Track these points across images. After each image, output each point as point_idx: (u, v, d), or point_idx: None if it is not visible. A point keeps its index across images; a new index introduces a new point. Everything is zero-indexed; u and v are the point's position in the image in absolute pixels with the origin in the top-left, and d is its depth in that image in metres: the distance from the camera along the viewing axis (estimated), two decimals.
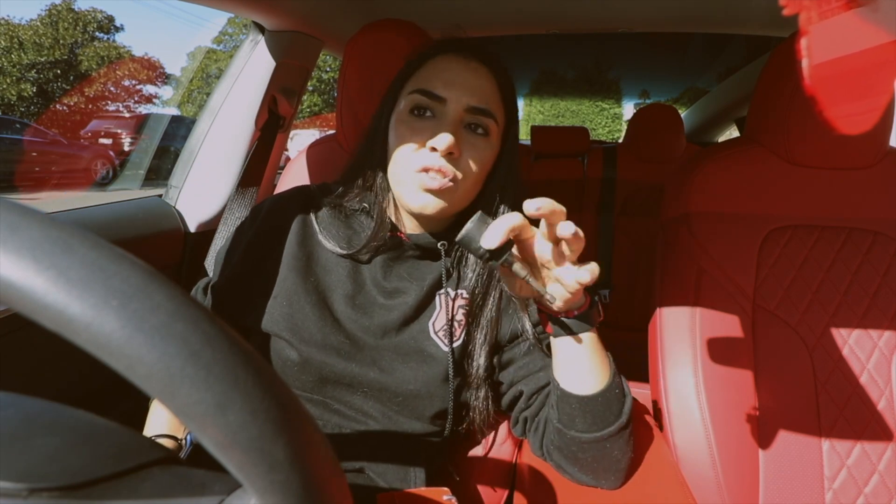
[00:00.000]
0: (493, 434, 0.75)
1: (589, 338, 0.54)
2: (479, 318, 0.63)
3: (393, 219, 0.65)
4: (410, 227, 0.64)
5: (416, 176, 0.58)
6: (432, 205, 0.58)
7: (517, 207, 0.63)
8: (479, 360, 0.62)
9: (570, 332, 0.54)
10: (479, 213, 0.48)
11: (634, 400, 0.60)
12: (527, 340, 0.63)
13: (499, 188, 0.63)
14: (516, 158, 0.65)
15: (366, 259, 0.65)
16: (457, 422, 0.64)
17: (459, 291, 0.64)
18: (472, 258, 0.64)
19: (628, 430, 0.57)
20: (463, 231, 0.48)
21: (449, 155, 0.57)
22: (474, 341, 0.63)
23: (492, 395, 0.66)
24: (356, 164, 0.68)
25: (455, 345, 0.62)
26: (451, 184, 0.58)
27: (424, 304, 0.64)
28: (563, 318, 0.54)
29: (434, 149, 0.56)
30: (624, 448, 0.57)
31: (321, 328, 0.61)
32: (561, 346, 0.56)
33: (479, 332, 0.63)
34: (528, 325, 0.62)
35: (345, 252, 0.63)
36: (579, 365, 0.55)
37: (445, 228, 0.65)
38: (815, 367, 0.72)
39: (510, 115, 0.64)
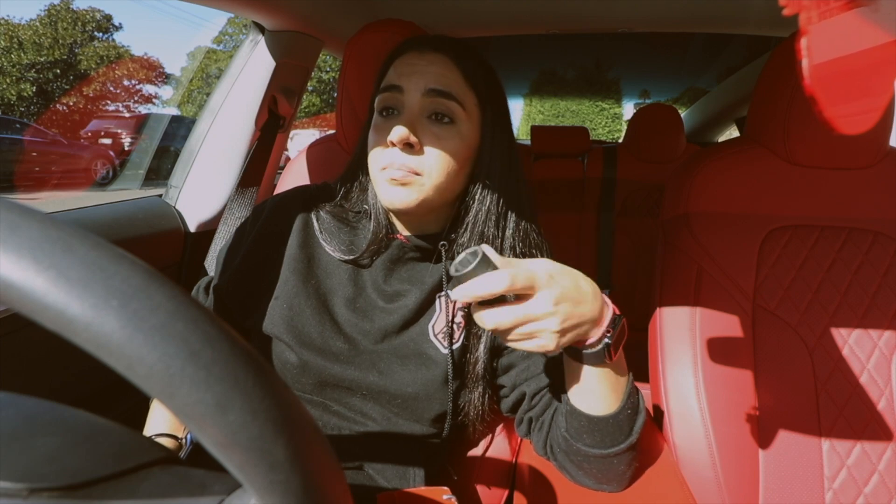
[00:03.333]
0: (491, 434, 0.75)
1: (605, 367, 0.52)
2: None
3: (390, 220, 0.65)
4: (407, 228, 0.64)
5: (382, 173, 0.57)
6: (399, 198, 0.57)
7: (510, 198, 0.62)
8: (479, 361, 0.62)
9: (578, 359, 0.53)
10: (482, 250, 0.45)
11: None
12: None
13: (481, 181, 0.61)
14: (502, 147, 0.62)
15: (367, 264, 0.65)
16: (456, 423, 0.63)
17: None
18: None
19: (637, 446, 0.56)
20: (457, 261, 0.46)
21: (409, 148, 0.56)
22: (474, 343, 0.63)
23: (494, 398, 0.66)
24: (351, 169, 0.68)
25: (454, 347, 0.62)
26: (414, 175, 0.56)
27: (424, 307, 0.64)
28: (579, 351, 0.52)
29: (393, 144, 0.55)
30: (631, 462, 0.57)
31: (321, 332, 0.61)
32: (570, 368, 0.55)
33: (476, 332, 0.63)
34: None
35: (346, 258, 0.63)
36: (588, 388, 0.54)
37: (443, 228, 0.65)
38: (815, 367, 0.72)
39: (485, 101, 0.61)
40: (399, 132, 0.54)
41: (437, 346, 0.62)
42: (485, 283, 0.43)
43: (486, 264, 0.44)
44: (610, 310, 0.52)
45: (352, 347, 0.61)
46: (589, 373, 0.53)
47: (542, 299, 0.45)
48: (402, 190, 0.57)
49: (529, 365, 0.63)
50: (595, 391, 0.54)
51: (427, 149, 0.57)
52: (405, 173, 0.56)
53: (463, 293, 0.44)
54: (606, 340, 0.50)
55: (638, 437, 0.55)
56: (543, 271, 0.46)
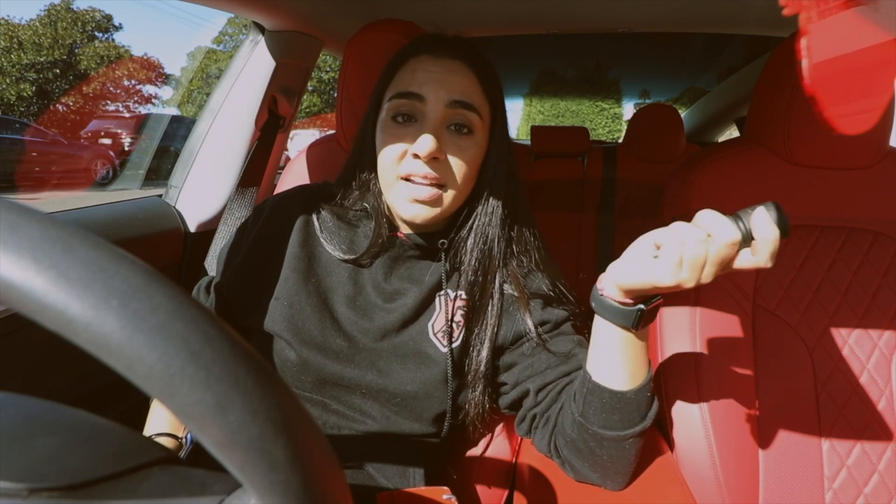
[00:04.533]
0: (491, 434, 0.75)
1: (631, 336, 0.54)
2: (478, 318, 0.63)
3: (391, 220, 0.65)
4: (410, 228, 0.64)
5: (404, 185, 0.57)
6: (423, 214, 0.58)
7: (509, 203, 0.63)
8: (479, 360, 0.62)
9: (616, 317, 0.53)
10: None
11: None
12: (531, 341, 0.63)
13: (487, 184, 0.62)
14: (506, 153, 0.63)
15: (367, 264, 0.65)
16: (455, 422, 0.63)
17: (459, 292, 0.64)
18: (470, 258, 0.63)
19: (645, 433, 0.57)
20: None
21: (433, 160, 0.56)
22: (473, 342, 0.63)
23: (493, 395, 0.66)
24: (349, 168, 0.68)
25: (454, 345, 0.62)
26: (438, 191, 0.57)
27: (424, 306, 0.64)
28: (611, 302, 0.52)
29: (417, 155, 0.55)
30: (638, 451, 0.58)
31: (321, 330, 0.61)
32: (599, 339, 0.55)
33: (478, 332, 0.63)
34: (530, 325, 0.62)
35: (346, 258, 0.63)
36: (616, 357, 0.54)
37: (444, 227, 0.65)
38: (815, 367, 0.72)
39: (496, 109, 0.62)
40: (428, 146, 0.54)
41: (437, 344, 0.62)
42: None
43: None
44: None
45: (351, 345, 0.61)
46: (616, 339, 0.54)
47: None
48: (427, 208, 0.57)
49: (533, 362, 0.63)
50: (618, 361, 0.54)
51: (450, 160, 0.57)
52: (431, 192, 0.56)
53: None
54: (641, 306, 0.51)
55: (650, 424, 0.56)
56: None
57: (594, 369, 0.56)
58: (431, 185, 0.57)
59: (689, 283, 0.48)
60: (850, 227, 0.77)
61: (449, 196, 0.58)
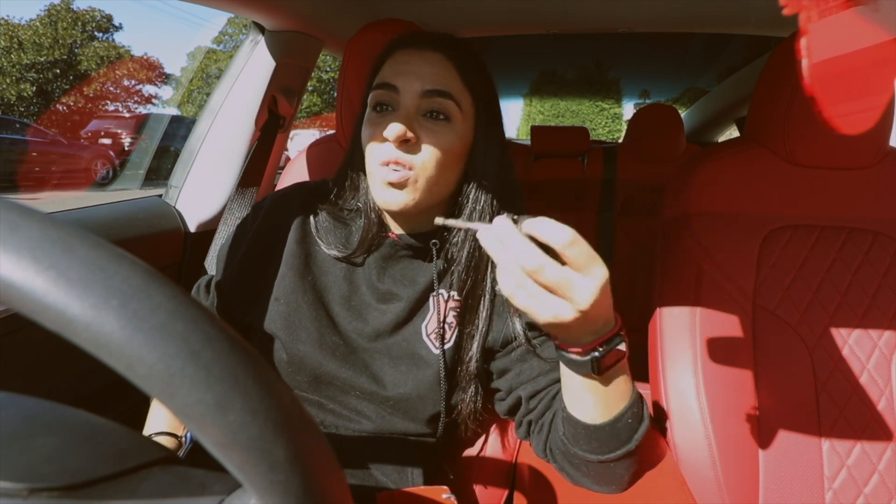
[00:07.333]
0: (490, 434, 0.75)
1: (596, 381, 0.50)
2: (470, 319, 0.63)
3: (381, 217, 0.64)
4: (400, 226, 0.64)
5: (380, 170, 0.57)
6: (395, 200, 0.57)
7: (502, 198, 0.62)
8: (471, 361, 0.62)
9: (565, 363, 0.51)
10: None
11: None
12: (521, 346, 0.62)
13: (475, 179, 0.61)
14: (497, 149, 0.62)
15: (360, 262, 0.65)
16: (449, 422, 0.63)
17: (452, 293, 0.64)
18: (460, 256, 0.62)
19: (636, 454, 0.55)
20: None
21: (405, 143, 0.56)
22: (466, 343, 0.62)
23: (490, 400, 0.66)
24: (344, 167, 0.68)
25: (446, 347, 0.62)
26: (410, 173, 0.56)
27: (418, 307, 0.63)
28: (563, 352, 0.50)
29: (388, 140, 0.55)
30: (629, 466, 0.56)
31: (318, 328, 0.61)
32: (563, 375, 0.53)
33: (469, 332, 0.63)
34: (519, 329, 0.61)
35: (339, 255, 0.63)
36: (580, 397, 0.52)
37: (435, 227, 0.64)
38: (815, 367, 0.72)
39: (480, 101, 0.61)
40: (395, 130, 0.54)
41: (429, 346, 0.62)
42: (552, 225, 0.42)
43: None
44: (614, 328, 0.49)
45: (347, 344, 0.62)
46: (580, 381, 0.51)
47: (591, 286, 0.42)
48: (398, 192, 0.57)
49: (524, 369, 0.62)
50: (587, 400, 0.52)
51: (423, 144, 0.57)
52: (401, 174, 0.56)
53: (531, 226, 0.42)
54: (595, 354, 0.48)
55: (638, 444, 0.54)
56: (604, 268, 0.44)
57: (567, 401, 0.54)
58: (404, 169, 0.56)
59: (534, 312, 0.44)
60: (850, 227, 0.77)
61: (422, 179, 0.57)
